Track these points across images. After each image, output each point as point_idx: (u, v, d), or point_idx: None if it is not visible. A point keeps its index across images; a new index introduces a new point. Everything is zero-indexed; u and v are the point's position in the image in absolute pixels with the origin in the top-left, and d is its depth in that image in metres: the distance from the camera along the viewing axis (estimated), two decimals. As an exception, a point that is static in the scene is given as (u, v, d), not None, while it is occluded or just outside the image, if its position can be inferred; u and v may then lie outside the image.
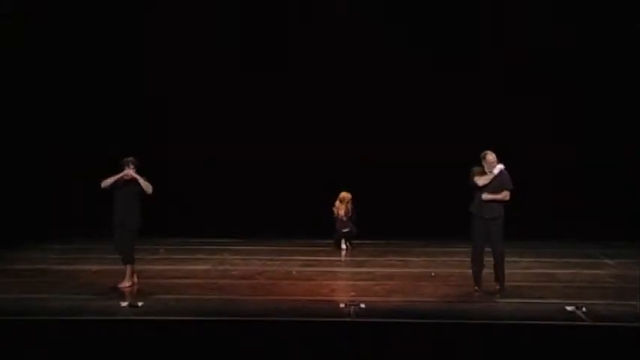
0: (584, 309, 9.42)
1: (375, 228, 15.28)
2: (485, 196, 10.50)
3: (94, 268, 12.56)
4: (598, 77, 16.13)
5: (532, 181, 15.84)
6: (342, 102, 16.57)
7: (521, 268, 12.89)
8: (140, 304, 9.58)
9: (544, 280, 11.79)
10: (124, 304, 9.52)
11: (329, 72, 16.50)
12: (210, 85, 16.58)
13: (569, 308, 9.48)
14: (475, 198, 10.59)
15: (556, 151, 16.11)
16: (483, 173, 10.57)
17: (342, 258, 14.48)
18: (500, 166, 10.53)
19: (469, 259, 10.84)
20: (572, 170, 16.02)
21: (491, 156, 10.59)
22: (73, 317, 9.04)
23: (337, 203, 15.27)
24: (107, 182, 10.98)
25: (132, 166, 11.08)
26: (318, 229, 15.34)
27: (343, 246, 15.16)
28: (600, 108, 16.21)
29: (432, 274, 11.91)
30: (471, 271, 10.80)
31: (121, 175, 10.99)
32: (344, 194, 15.27)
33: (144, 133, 16.25)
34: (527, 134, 16.18)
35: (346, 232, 15.18)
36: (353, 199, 15.25)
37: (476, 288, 10.65)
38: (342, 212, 15.22)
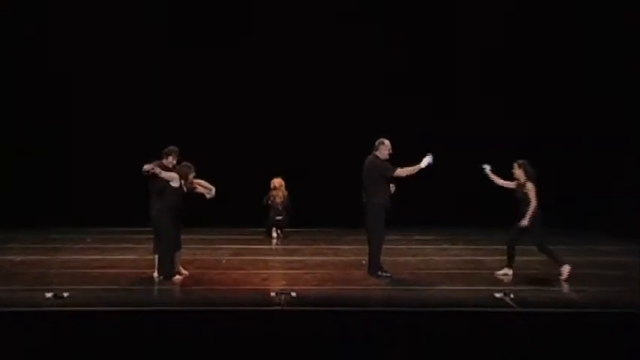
0: (511, 295, 9.55)
1: (307, 216, 15.25)
2: (393, 187, 10.79)
3: (17, 258, 12.32)
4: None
5: (462, 170, 15.99)
6: (269, 85, 16.49)
7: (451, 255, 13.07)
8: (66, 294, 9.37)
9: (473, 268, 11.94)
10: (49, 295, 9.28)
11: (248, 50, 16.46)
12: (120, 65, 16.33)
13: (497, 295, 9.61)
14: (384, 191, 10.80)
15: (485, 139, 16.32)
16: (384, 164, 10.77)
17: (274, 246, 14.42)
18: (429, 159, 10.62)
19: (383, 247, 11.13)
20: (499, 159, 16.21)
21: (388, 142, 10.87)
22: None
23: (272, 190, 15.08)
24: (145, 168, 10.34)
25: (171, 157, 10.52)
26: (248, 216, 15.24)
27: (274, 234, 15.08)
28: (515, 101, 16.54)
29: (363, 261, 11.93)
30: (384, 257, 11.12)
31: (149, 166, 10.26)
32: (277, 180, 15.11)
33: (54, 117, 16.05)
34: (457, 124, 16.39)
35: (279, 220, 15.09)
36: (286, 186, 15.16)
37: (389, 274, 10.92)
38: (278, 200, 15.05)
